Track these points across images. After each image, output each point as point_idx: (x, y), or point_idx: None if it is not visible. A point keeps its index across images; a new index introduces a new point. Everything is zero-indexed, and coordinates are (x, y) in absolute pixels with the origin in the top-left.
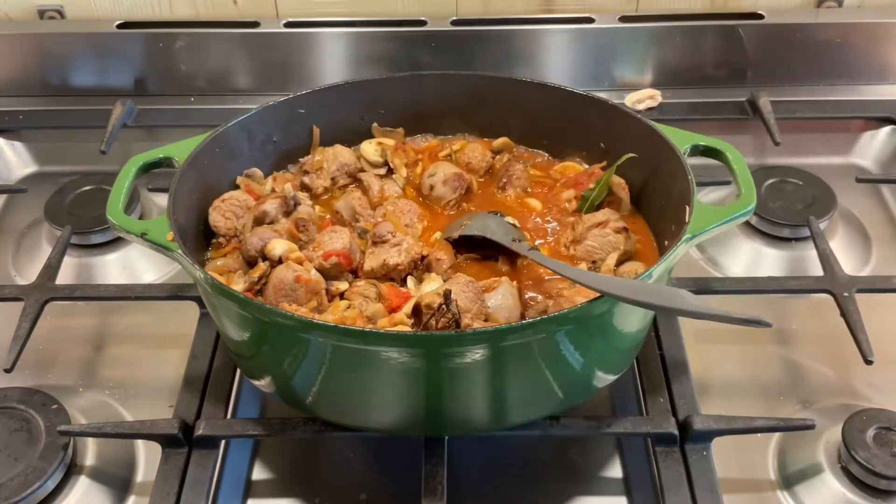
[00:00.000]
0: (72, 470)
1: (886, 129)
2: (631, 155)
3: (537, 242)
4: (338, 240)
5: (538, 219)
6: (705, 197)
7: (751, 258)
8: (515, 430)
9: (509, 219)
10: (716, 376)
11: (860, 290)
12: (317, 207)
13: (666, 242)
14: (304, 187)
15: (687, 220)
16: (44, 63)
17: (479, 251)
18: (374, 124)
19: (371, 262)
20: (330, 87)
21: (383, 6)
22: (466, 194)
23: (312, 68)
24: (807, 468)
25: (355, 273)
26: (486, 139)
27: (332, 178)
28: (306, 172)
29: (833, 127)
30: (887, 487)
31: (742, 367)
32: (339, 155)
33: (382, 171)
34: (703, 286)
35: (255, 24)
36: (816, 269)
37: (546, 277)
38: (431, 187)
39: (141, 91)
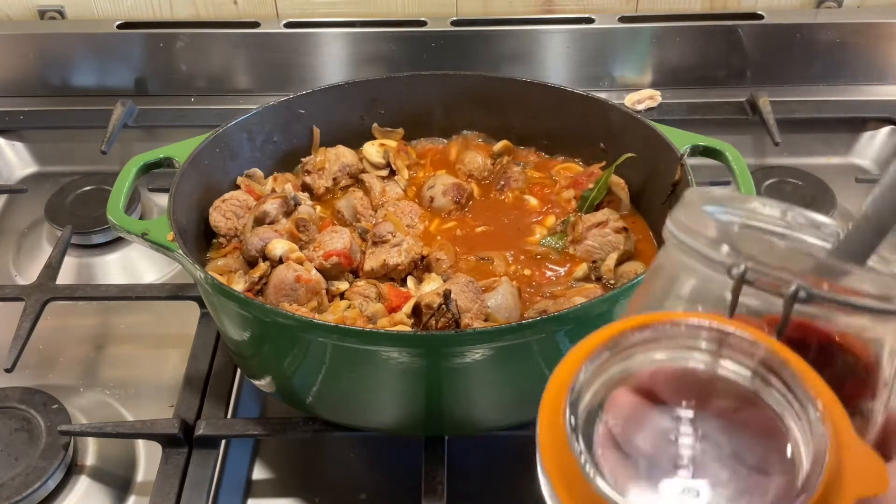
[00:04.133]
0: (72, 470)
1: (886, 129)
2: (630, 155)
3: (537, 236)
4: (338, 240)
5: (539, 217)
6: None
7: None
8: (515, 429)
9: None
10: None
11: None
12: (317, 208)
13: None
14: (306, 187)
15: None
16: (44, 63)
17: None
18: (375, 125)
19: (371, 262)
20: (330, 87)
21: (383, 6)
22: (468, 200)
23: (312, 68)
24: None
25: (356, 273)
26: (486, 143)
27: (334, 179)
28: (308, 172)
29: (833, 127)
30: None
31: None
32: (342, 156)
33: (384, 172)
34: None
35: (255, 25)
36: None
37: (547, 274)
38: (431, 199)
39: (141, 91)
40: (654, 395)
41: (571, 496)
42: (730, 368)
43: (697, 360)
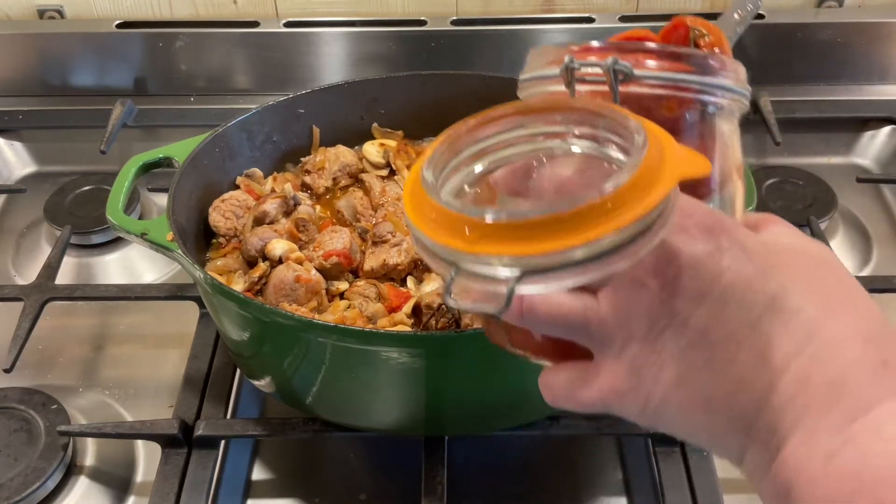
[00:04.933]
0: (72, 470)
1: (887, 128)
2: None
3: None
4: (338, 240)
5: None
6: None
7: None
8: (515, 430)
9: None
10: None
11: None
12: (317, 207)
13: None
14: (305, 187)
15: None
16: (43, 63)
17: None
18: (375, 125)
19: (371, 262)
20: (330, 87)
21: (383, 6)
22: None
23: (312, 68)
24: None
25: (356, 273)
26: None
27: (334, 179)
28: (308, 172)
29: (833, 127)
30: None
31: None
32: (342, 155)
33: (384, 172)
34: None
35: (254, 24)
36: None
37: None
38: None
39: (141, 91)
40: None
41: (417, 213)
42: (582, 145)
43: (552, 144)
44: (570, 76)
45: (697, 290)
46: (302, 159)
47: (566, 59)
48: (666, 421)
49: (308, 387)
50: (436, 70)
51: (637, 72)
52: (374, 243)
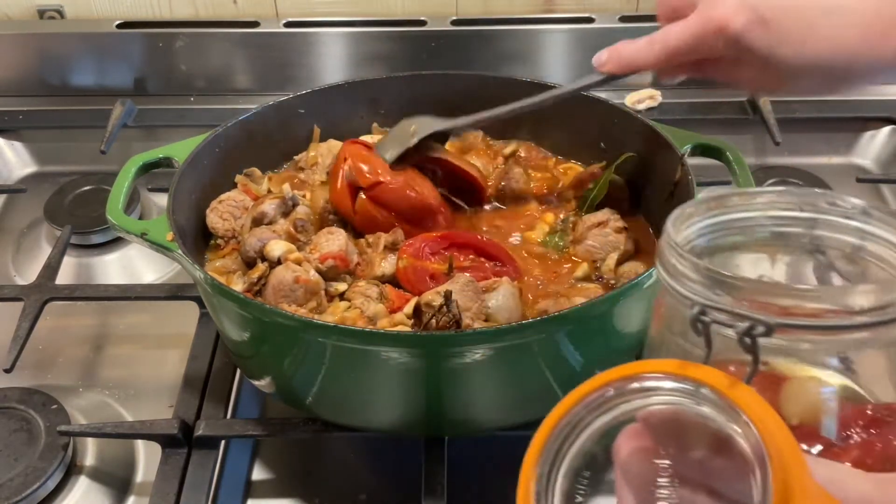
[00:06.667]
0: (72, 470)
1: (886, 129)
2: (630, 154)
3: (539, 235)
4: (334, 241)
5: (539, 215)
6: None
7: None
8: (516, 430)
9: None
10: None
11: None
12: (307, 195)
13: None
14: (300, 184)
15: None
16: (43, 63)
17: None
18: (374, 124)
19: (385, 268)
20: (330, 87)
21: (383, 6)
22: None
23: (312, 68)
24: None
25: (353, 273)
26: (486, 143)
27: (328, 173)
28: (301, 169)
29: (833, 127)
30: None
31: None
32: (334, 149)
33: None
34: None
35: (254, 24)
36: None
37: (548, 273)
38: None
39: (141, 91)
40: (644, 440)
41: None
42: (706, 412)
43: (680, 404)
44: (701, 329)
45: None
46: (295, 157)
47: (694, 311)
48: None
49: (308, 387)
50: (436, 70)
51: (776, 320)
52: (387, 248)
